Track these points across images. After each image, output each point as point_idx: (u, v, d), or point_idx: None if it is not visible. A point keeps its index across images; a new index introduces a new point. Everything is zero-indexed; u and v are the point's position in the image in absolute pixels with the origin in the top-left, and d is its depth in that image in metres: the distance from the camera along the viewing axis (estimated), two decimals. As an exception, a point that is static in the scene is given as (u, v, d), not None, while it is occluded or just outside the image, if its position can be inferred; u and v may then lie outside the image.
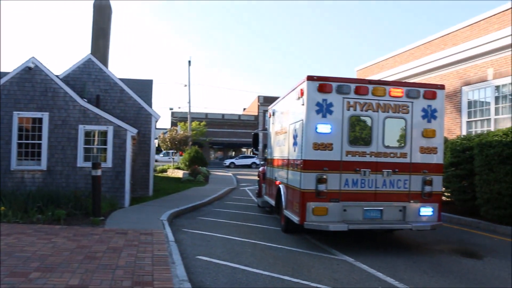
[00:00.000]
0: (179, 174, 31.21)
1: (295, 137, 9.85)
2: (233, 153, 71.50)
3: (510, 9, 14.38)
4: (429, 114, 9.31)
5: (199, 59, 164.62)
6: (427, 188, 9.15)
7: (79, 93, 15.09)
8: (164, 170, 36.18)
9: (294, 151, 9.82)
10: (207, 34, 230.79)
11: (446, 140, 14.80)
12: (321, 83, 8.85)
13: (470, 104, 16.19)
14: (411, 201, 9.12)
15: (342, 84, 8.93)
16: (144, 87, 25.46)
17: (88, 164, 13.12)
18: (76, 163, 13.63)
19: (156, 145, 43.02)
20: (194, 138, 50.00)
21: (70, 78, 15.95)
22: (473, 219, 12.14)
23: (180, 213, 13.46)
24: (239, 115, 72.46)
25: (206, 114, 67.86)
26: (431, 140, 9.27)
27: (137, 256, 7.43)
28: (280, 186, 11.05)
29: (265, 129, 14.84)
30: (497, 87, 14.86)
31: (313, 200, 8.79)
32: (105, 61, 17.53)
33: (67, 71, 16.09)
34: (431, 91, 9.33)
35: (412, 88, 9.28)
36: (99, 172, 11.43)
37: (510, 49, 14.23)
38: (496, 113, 14.81)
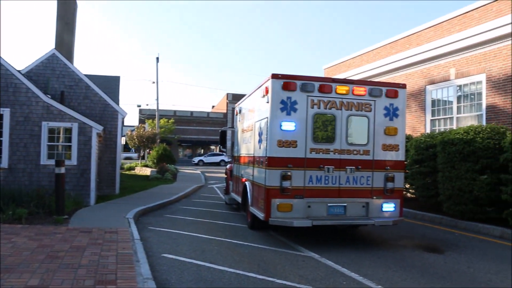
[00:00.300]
0: (147, 172, 30.87)
1: (260, 134, 9.94)
2: (202, 150, 71.26)
3: (471, 12, 14.79)
4: (391, 113, 9.52)
5: (167, 56, 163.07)
6: (389, 185, 9.37)
7: (43, 89, 14.72)
8: (132, 168, 35.74)
9: (259, 148, 9.92)
10: (175, 31, 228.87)
11: (410, 138, 15.13)
12: (286, 81, 8.96)
13: (433, 102, 16.58)
14: (374, 197, 9.32)
15: (306, 83, 9.06)
16: (111, 84, 25.12)
17: (52, 162, 12.82)
18: (39, 160, 13.29)
19: (124, 143, 42.44)
20: (162, 135, 49.56)
21: (33, 74, 15.54)
22: (436, 215, 12.46)
23: (147, 211, 13.33)
24: (208, 113, 72.22)
25: (175, 111, 67.32)
26: (393, 138, 9.50)
27: (100, 255, 7.32)
28: (246, 183, 11.12)
29: (233, 126, 14.96)
30: (459, 87, 15.27)
31: (277, 196, 8.89)
32: (70, 57, 17.14)
33: (29, 66, 15.67)
34: (393, 89, 9.54)
35: (374, 87, 9.49)
36: (62, 170, 11.20)
37: (470, 50, 14.63)
38: (458, 111, 15.21)
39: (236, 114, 13.99)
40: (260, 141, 9.92)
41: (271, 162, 8.97)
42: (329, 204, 9.14)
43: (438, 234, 10.62)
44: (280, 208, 8.88)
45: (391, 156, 9.49)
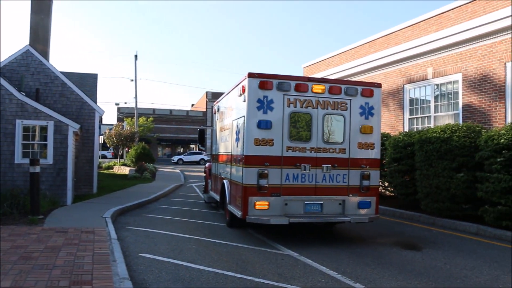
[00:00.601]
0: (126, 171, 30.57)
1: (237, 133, 9.99)
2: (181, 149, 70.87)
3: (447, 12, 14.98)
4: (367, 111, 9.66)
5: (146, 54, 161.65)
6: (365, 182, 9.52)
7: (17, 86, 14.42)
8: (110, 167, 35.35)
9: (237, 146, 9.95)
10: (153, 29, 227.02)
11: (389, 137, 15.26)
12: (262, 80, 9.03)
13: (412, 101, 16.75)
14: (350, 195, 9.44)
15: (282, 81, 9.13)
16: (88, 82, 24.76)
17: (27, 161, 12.56)
18: (13, 159, 13.02)
19: (102, 142, 41.93)
20: (141, 134, 49.11)
21: (6, 70, 15.16)
22: (414, 213, 12.59)
23: (125, 210, 13.18)
24: (187, 111, 71.90)
25: (154, 110, 66.84)
26: (368, 136, 9.64)
27: (76, 255, 7.19)
28: (225, 181, 11.14)
29: (211, 125, 14.96)
30: (437, 86, 15.46)
31: (255, 194, 8.95)
32: (45, 54, 16.77)
33: (2, 62, 15.23)
34: (368, 89, 9.67)
35: (350, 86, 9.60)
36: (37, 169, 10.97)
37: (447, 50, 14.83)
38: (436, 110, 15.40)
39: (215, 113, 13.99)
40: (237, 139, 9.97)
41: (248, 160, 9.02)
42: (306, 202, 9.22)
43: (416, 232, 10.73)
44: (257, 206, 8.94)
45: (367, 154, 9.63)
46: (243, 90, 9.36)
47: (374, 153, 9.72)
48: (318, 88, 9.35)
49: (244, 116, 9.28)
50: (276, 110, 9.09)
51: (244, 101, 9.25)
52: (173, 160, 59.63)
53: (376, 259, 7.91)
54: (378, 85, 9.90)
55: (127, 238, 9.29)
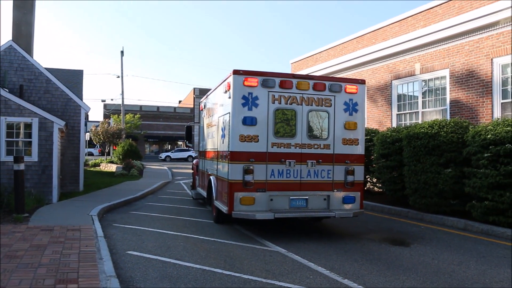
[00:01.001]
0: (113, 168, 30.33)
1: (223, 129, 10.04)
2: (169, 146, 70.49)
3: (435, 8, 15.03)
4: (351, 108, 9.74)
5: (133, 51, 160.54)
6: (350, 178, 9.61)
7: (0, 83, 14.17)
8: (97, 164, 35.02)
9: (223, 143, 10.00)
10: (140, 25, 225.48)
11: (377, 132, 15.29)
12: (247, 77, 9.08)
13: (399, 97, 16.81)
14: (335, 190, 9.54)
15: (267, 78, 9.20)
16: (73, 78, 24.43)
17: (11, 159, 12.33)
18: (-3, 157, 12.78)
19: (88, 139, 41.54)
20: (128, 131, 48.78)
21: (-12, 66, 14.91)
22: (403, 209, 12.62)
23: (112, 208, 13.04)
24: (175, 108, 71.45)
25: (141, 106, 66.33)
26: (352, 132, 9.73)
27: (62, 253, 7.08)
28: (211, 177, 11.21)
29: (199, 121, 14.97)
30: (424, 82, 15.52)
31: (240, 190, 9.02)
32: (29, 49, 16.51)
33: (-15, 58, 15.03)
34: (352, 85, 9.77)
35: (334, 83, 9.65)
36: (21, 166, 10.80)
37: (434, 46, 14.89)
38: (424, 106, 15.46)
39: (201, 109, 14.03)
40: (223, 136, 10.02)
41: (234, 156, 9.09)
42: (291, 197, 9.30)
43: (405, 227, 10.76)
44: (243, 201, 9.00)
45: (351, 150, 9.71)
46: (228, 87, 9.43)
47: (359, 149, 9.81)
48: (302, 84, 9.41)
49: (229, 112, 9.32)
50: (261, 106, 9.15)
51: (229, 98, 9.30)
52: (161, 157, 59.33)
53: (365, 255, 7.91)
54: (362, 82, 9.99)
55: (114, 235, 9.18)
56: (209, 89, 12.90)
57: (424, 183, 11.64)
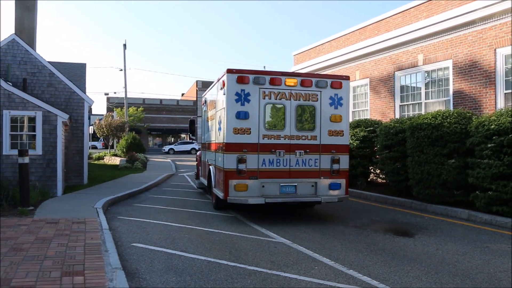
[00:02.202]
0: (116, 161, 30.40)
1: (219, 123, 10.88)
2: (172, 139, 70.54)
3: (439, -3, 14.95)
4: (336, 102, 10.51)
5: (135, 44, 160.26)
6: (335, 166, 10.41)
7: (3, 76, 14.20)
8: (101, 158, 35.13)
9: (219, 135, 10.83)
10: (143, 18, 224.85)
11: (380, 124, 15.28)
12: (239, 75, 9.94)
13: (402, 88, 16.76)
14: (322, 178, 10.34)
15: (258, 76, 10.03)
16: (76, 71, 24.47)
17: (16, 152, 12.39)
18: (1, 150, 12.84)
19: (92, 132, 41.60)
20: (131, 124, 48.88)
21: (-9, 60, 14.93)
22: (406, 199, 12.63)
23: (116, 200, 13.10)
24: (178, 100, 71.40)
25: (144, 99, 66.31)
26: (338, 124, 10.50)
27: (68, 246, 7.13)
28: (211, 167, 12.13)
29: (201, 115, 15.56)
30: (427, 73, 15.46)
31: (234, 178, 9.88)
32: (32, 43, 16.50)
33: (-12, 52, 15.04)
34: (337, 81, 10.55)
35: (320, 79, 10.47)
36: (26, 160, 10.84)
37: (437, 37, 14.82)
38: (427, 97, 15.42)
39: (203, 104, 14.96)
40: (219, 129, 10.85)
41: (228, 147, 9.96)
42: (281, 184, 10.13)
43: (408, 218, 10.78)
44: (237, 188, 9.87)
45: (336, 140, 10.48)
46: (223, 85, 10.24)
47: (343, 140, 10.59)
48: (290, 81, 10.22)
49: (224, 108, 10.14)
50: (253, 102, 10.00)
51: (224, 94, 10.13)
52: (164, 150, 59.41)
53: (369, 245, 7.94)
54: (346, 78, 10.74)
55: (119, 228, 9.23)
56: (212, 82, 13.25)
57: (428, 174, 11.64)
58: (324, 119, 10.38)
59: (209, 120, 13.03)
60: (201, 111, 15.50)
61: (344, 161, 10.54)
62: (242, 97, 9.94)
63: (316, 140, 10.34)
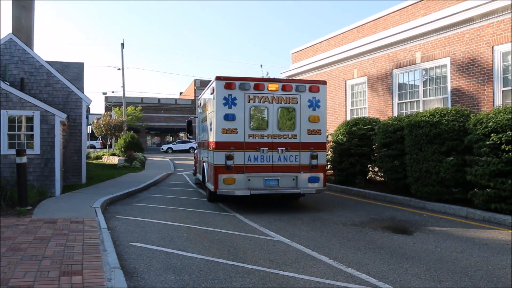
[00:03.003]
0: (115, 160, 30.37)
1: (210, 124, 12.11)
2: (171, 138, 70.46)
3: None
4: (314, 104, 11.69)
5: (133, 43, 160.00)
6: (314, 162, 11.58)
7: (1, 76, 14.16)
8: (99, 157, 35.08)
9: (210, 135, 12.02)
10: (140, 17, 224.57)
11: (378, 122, 15.28)
12: (227, 82, 11.14)
13: (400, 86, 16.77)
14: (301, 172, 11.51)
15: (243, 82, 11.23)
16: (74, 71, 24.45)
17: (13, 152, 12.35)
18: (-1, 150, 12.81)
19: (90, 131, 41.54)
20: (129, 123, 48.78)
21: (-11, 60, 14.88)
22: (405, 197, 12.63)
23: (115, 200, 13.09)
24: (176, 100, 71.27)
25: (142, 98, 66.20)
26: (316, 124, 11.69)
27: (66, 245, 7.12)
28: (204, 164, 13.36)
29: (197, 116, 17.02)
30: (425, 70, 15.47)
31: (223, 172, 11.06)
32: (29, 42, 16.46)
33: (-15, 52, 14.99)
34: (315, 85, 11.75)
35: (300, 84, 11.70)
36: (24, 159, 10.82)
37: (435, 34, 14.82)
38: (425, 95, 15.43)
39: (198, 106, 16.32)
40: (210, 129, 12.04)
41: (218, 145, 11.14)
42: (265, 178, 11.31)
43: (407, 216, 10.78)
44: (225, 181, 11.06)
45: (314, 139, 11.65)
46: (213, 90, 11.40)
47: (321, 138, 11.76)
48: (272, 86, 11.42)
49: (214, 110, 11.31)
50: (239, 105, 11.18)
51: (214, 99, 11.30)
52: (163, 149, 59.34)
53: (368, 244, 7.94)
54: (324, 82, 11.97)
55: (117, 227, 9.22)
56: (210, 81, 13.64)
57: (426, 172, 11.65)
58: (303, 120, 11.54)
59: (203, 121, 14.32)
60: (197, 112, 16.63)
61: (322, 157, 11.71)
62: (229, 101, 11.13)
63: (296, 138, 11.50)
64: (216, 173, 11.08)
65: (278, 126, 11.43)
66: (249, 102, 11.28)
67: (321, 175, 11.64)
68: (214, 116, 11.30)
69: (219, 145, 11.10)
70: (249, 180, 11.18)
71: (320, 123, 11.71)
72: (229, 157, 11.02)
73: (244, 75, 13.36)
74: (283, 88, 11.47)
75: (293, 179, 11.48)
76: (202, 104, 14.94)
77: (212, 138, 11.69)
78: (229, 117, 11.05)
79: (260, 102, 11.37)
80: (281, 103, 11.48)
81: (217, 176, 11.07)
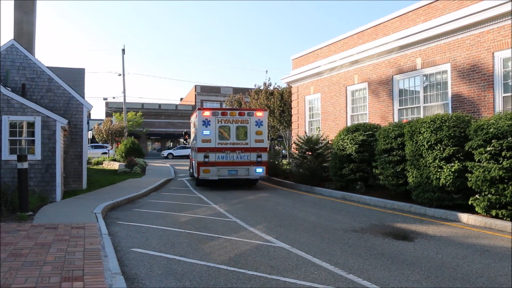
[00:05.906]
0: (115, 166, 30.38)
1: (195, 136, 19.09)
2: (171, 143, 70.40)
3: (435, 2, 14.99)
4: (259, 123, 18.74)
5: (133, 48, 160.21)
6: (259, 159, 18.51)
7: (2, 82, 14.20)
8: (100, 162, 35.09)
9: (196, 143, 18.66)
10: (141, 23, 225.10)
11: (379, 128, 15.28)
12: (204, 111, 18.32)
13: (401, 92, 16.78)
14: (251, 165, 18.45)
15: (215, 111, 18.41)
16: (75, 76, 24.46)
17: (14, 157, 12.39)
18: (0, 156, 12.83)
19: (91, 137, 41.56)
20: (130, 129, 48.84)
21: (-10, 66, 14.90)
22: (406, 203, 12.61)
23: (115, 205, 13.08)
24: (176, 105, 71.23)
25: (142, 104, 66.21)
26: (260, 136, 18.67)
27: (67, 251, 7.12)
28: (193, 161, 20.21)
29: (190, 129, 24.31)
30: (426, 76, 15.49)
31: (202, 166, 18.08)
32: (31, 48, 16.51)
33: (-13, 58, 15.02)
34: (259, 111, 18.93)
35: (250, 111, 18.79)
36: (25, 165, 10.83)
37: (435, 40, 14.85)
38: (425, 101, 15.44)
39: (191, 123, 23.15)
40: (196, 139, 18.92)
41: (199, 149, 18.15)
42: (228, 169, 18.24)
43: (408, 222, 10.76)
44: (204, 171, 18.08)
45: (259, 145, 18.63)
46: (196, 116, 18.74)
47: (264, 144, 18.71)
48: (233, 113, 18.53)
49: (197, 128, 18.40)
50: (212, 125, 18.22)
51: (197, 121, 18.38)
52: (163, 154, 59.26)
53: (369, 250, 7.93)
54: (265, 110, 19.79)
55: (118, 233, 9.22)
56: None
57: (427, 178, 11.64)
58: (252, 133, 18.50)
59: (193, 134, 20.97)
60: (191, 127, 23.28)
61: (264, 156, 18.73)
62: (206, 123, 18.11)
63: (248, 145, 18.47)
64: (198, 166, 18.07)
65: (236, 137, 18.39)
66: (218, 123, 18.25)
67: (264, 167, 18.56)
68: (197, 132, 18.30)
69: (200, 149, 18.06)
70: (218, 170, 18.07)
71: (263, 135, 18.68)
72: (206, 156, 17.98)
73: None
74: (239, 114, 18.54)
75: (246, 170, 18.40)
76: (192, 122, 22.01)
77: (196, 145, 18.40)
78: (206, 132, 18.00)
79: (225, 123, 18.34)
80: (238, 123, 18.45)
81: (199, 168, 18.05)
